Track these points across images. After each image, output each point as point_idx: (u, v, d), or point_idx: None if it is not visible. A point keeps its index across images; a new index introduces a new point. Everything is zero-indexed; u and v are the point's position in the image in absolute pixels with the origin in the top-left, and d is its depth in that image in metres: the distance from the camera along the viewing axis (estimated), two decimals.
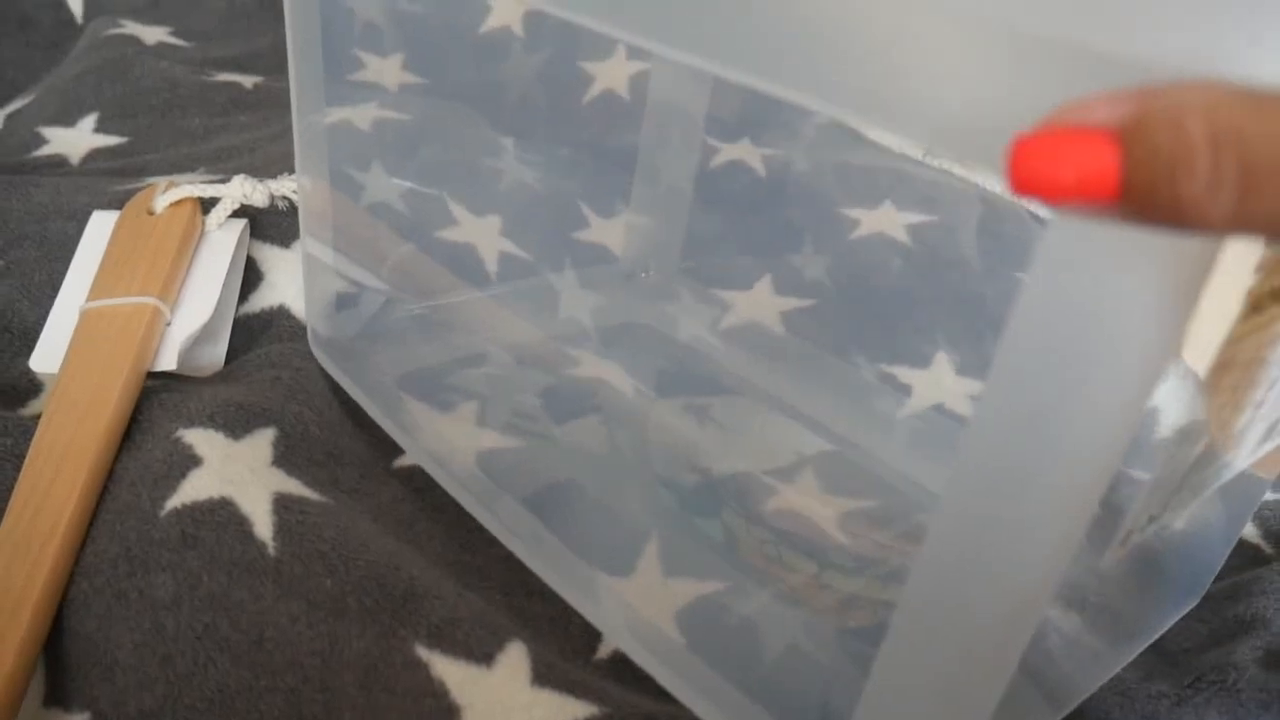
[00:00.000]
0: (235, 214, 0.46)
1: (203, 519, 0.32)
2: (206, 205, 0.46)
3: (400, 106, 0.54)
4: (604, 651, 0.34)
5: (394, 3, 0.55)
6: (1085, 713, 0.32)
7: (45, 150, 0.57)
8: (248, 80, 0.67)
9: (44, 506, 0.32)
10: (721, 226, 0.58)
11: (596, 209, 0.56)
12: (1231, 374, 0.21)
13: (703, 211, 0.56)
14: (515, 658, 0.31)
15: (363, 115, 0.52)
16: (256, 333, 0.44)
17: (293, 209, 0.47)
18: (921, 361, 0.49)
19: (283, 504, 0.33)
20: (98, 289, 0.41)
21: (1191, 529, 0.33)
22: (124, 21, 0.71)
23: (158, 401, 0.37)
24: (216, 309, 0.42)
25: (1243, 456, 0.26)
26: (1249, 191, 0.13)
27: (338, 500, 0.35)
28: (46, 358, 0.39)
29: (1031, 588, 0.18)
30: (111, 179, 0.52)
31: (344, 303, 0.44)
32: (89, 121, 0.60)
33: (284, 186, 0.47)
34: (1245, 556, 0.40)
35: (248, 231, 0.46)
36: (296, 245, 0.47)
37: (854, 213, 0.57)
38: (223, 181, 0.46)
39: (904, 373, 0.48)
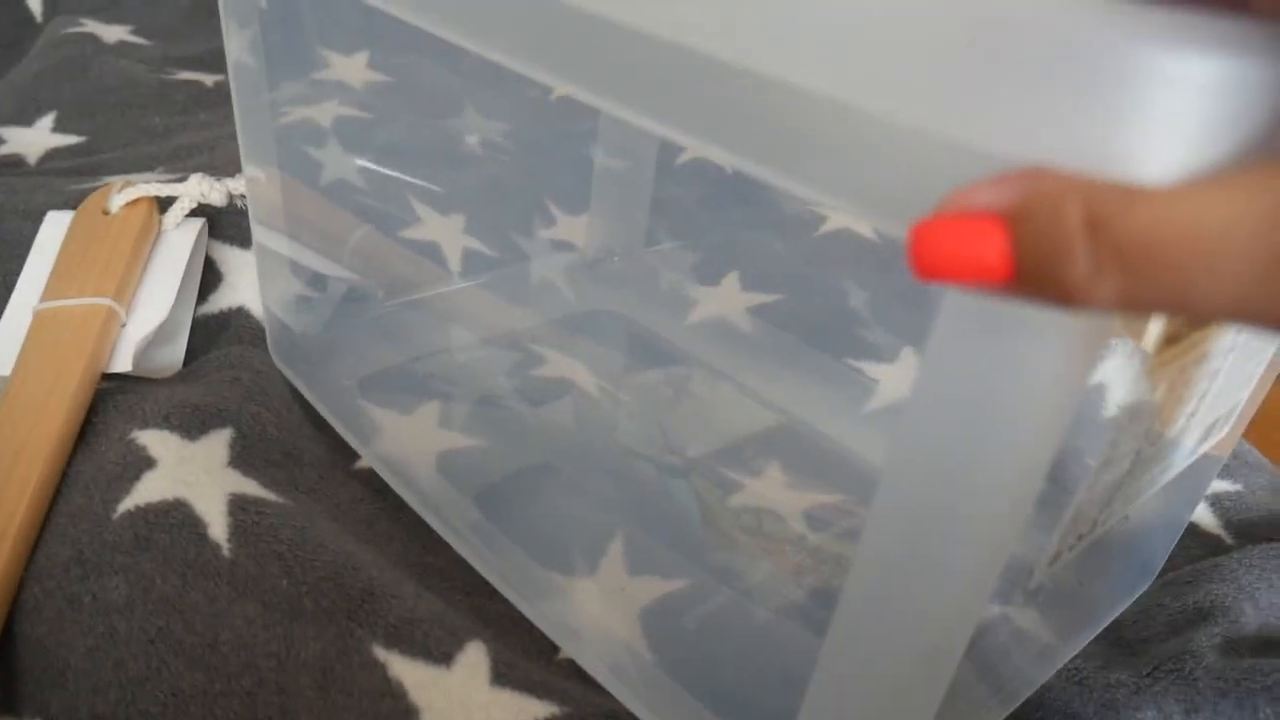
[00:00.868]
0: (193, 213, 0.45)
1: (156, 521, 0.32)
2: (164, 204, 0.45)
3: (363, 104, 0.53)
4: (565, 651, 0.34)
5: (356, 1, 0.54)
6: (1045, 703, 0.32)
7: (2, 150, 0.56)
8: (209, 78, 0.66)
9: None
10: (686, 223, 0.58)
11: (563, 206, 0.56)
12: (1155, 395, 0.21)
13: (668, 207, 0.56)
14: (474, 658, 0.31)
15: (325, 113, 0.52)
16: (215, 333, 0.43)
17: None
18: (888, 356, 0.49)
19: (238, 505, 0.33)
20: (51, 290, 0.40)
21: (1140, 512, 0.34)
22: (83, 20, 0.70)
23: (112, 403, 0.36)
24: (173, 310, 0.41)
25: (1181, 459, 0.26)
26: (1129, 277, 0.13)
27: (296, 501, 0.35)
28: None
29: (973, 579, 0.18)
30: (69, 178, 0.51)
31: (302, 302, 0.44)
32: (47, 121, 0.59)
33: (242, 185, 0.46)
34: (1206, 546, 0.40)
35: (206, 231, 0.45)
36: None
37: (821, 209, 0.57)
38: (179, 180, 0.46)
39: (870, 367, 0.49)
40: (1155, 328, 0.20)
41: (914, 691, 0.20)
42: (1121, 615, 0.36)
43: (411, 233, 0.50)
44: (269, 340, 0.42)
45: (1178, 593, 0.36)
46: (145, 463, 0.33)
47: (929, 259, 0.15)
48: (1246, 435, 0.46)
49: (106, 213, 0.43)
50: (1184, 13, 0.15)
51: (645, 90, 0.20)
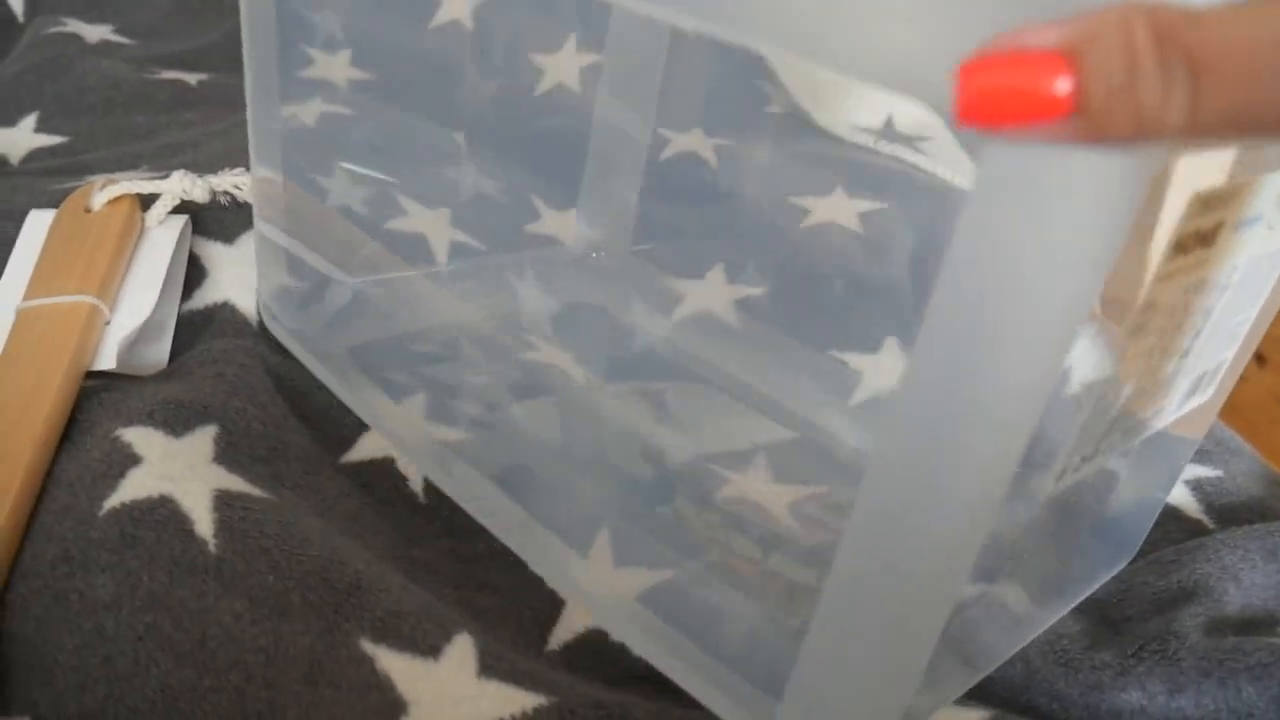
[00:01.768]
0: (176, 210, 0.45)
1: (142, 518, 0.32)
2: (147, 202, 0.45)
3: (348, 102, 0.53)
4: (555, 642, 0.34)
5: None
6: (1031, 685, 0.33)
7: None
8: (192, 77, 0.66)
9: None
10: (673, 216, 0.58)
11: (549, 201, 0.56)
12: (1157, 317, 0.22)
13: (655, 201, 0.56)
14: (462, 650, 0.31)
15: (310, 111, 0.52)
16: (200, 329, 0.43)
17: (236, 204, 0.47)
18: (872, 346, 0.49)
19: (224, 501, 0.33)
20: (34, 288, 0.40)
21: (1116, 485, 0.34)
22: (66, 20, 0.70)
23: (97, 400, 0.36)
24: (157, 307, 0.41)
25: (1172, 405, 0.26)
26: (1201, 92, 0.14)
27: (281, 496, 0.35)
28: None
29: (958, 545, 0.18)
30: (51, 178, 0.51)
31: (298, 292, 0.44)
32: (29, 121, 0.59)
33: (225, 181, 0.46)
34: (1187, 531, 0.41)
35: (189, 228, 0.45)
36: (240, 241, 0.46)
37: (805, 201, 0.58)
38: (162, 177, 0.45)
39: (855, 358, 0.49)
40: (1166, 229, 0.20)
41: (903, 655, 0.21)
42: (1106, 593, 0.36)
43: (397, 224, 0.50)
44: (264, 315, 0.42)
45: (1162, 571, 0.36)
46: (130, 460, 0.33)
47: (981, 99, 0.14)
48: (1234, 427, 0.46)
49: (89, 210, 0.43)
50: None
51: None
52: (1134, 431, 0.25)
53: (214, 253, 0.46)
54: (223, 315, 0.43)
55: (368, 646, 0.30)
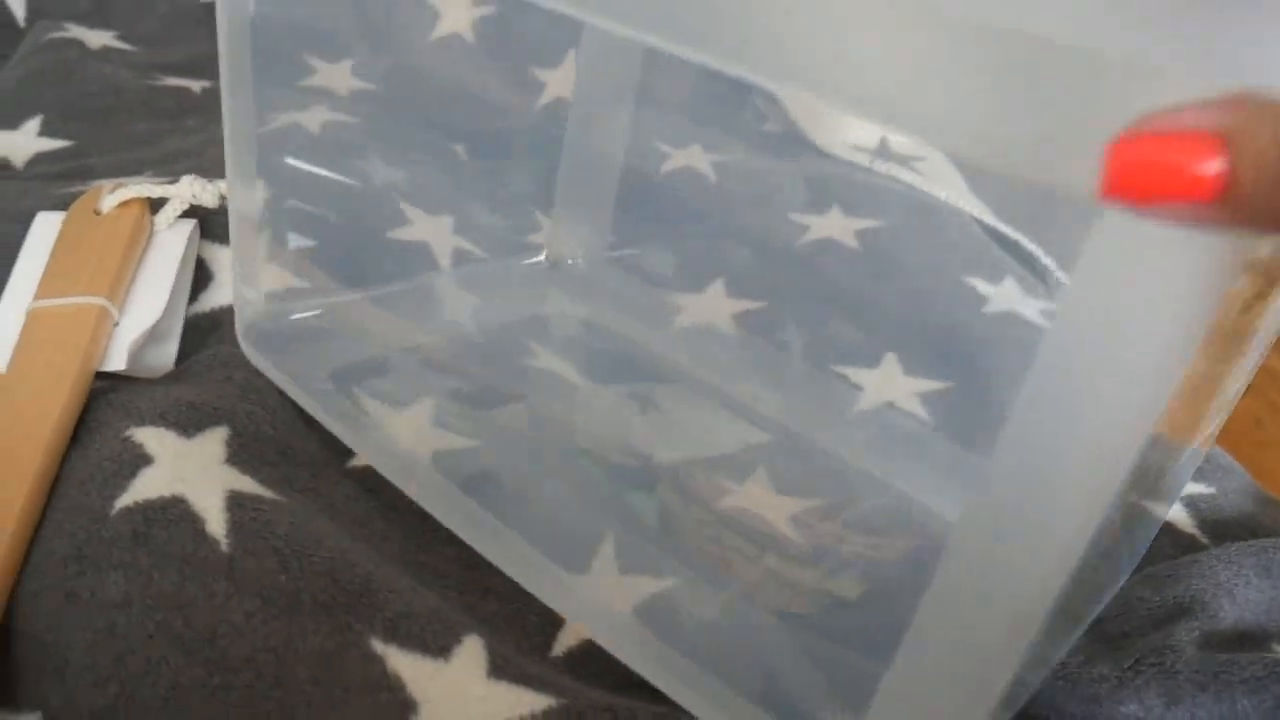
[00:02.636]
0: (185, 214, 0.45)
1: (154, 517, 0.32)
2: (155, 206, 0.45)
3: (350, 111, 0.54)
4: (560, 647, 0.34)
5: (344, 9, 0.55)
6: (1032, 699, 0.33)
7: None
8: (196, 85, 0.66)
9: None
10: (671, 231, 0.58)
11: (542, 207, 0.57)
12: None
13: (651, 215, 0.57)
14: (471, 651, 0.31)
15: (312, 119, 0.52)
16: (207, 332, 0.43)
17: None
18: (871, 362, 0.50)
19: (236, 501, 0.33)
20: (44, 289, 0.40)
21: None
22: (68, 25, 0.70)
23: (107, 401, 0.37)
24: (166, 309, 0.41)
25: (1212, 427, 0.26)
26: None
27: (291, 498, 0.35)
28: None
29: (1049, 577, 0.19)
30: (57, 182, 0.51)
31: (277, 308, 0.43)
32: (33, 125, 0.59)
33: None
34: (1182, 546, 0.41)
35: (198, 232, 0.46)
36: None
37: (803, 218, 0.58)
38: (171, 182, 0.46)
39: (854, 373, 0.49)
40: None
41: (985, 683, 0.21)
42: (1103, 609, 0.37)
43: (396, 233, 0.51)
44: (241, 335, 0.42)
45: (1158, 586, 0.37)
46: (142, 459, 0.34)
47: (1129, 176, 0.14)
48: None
49: (98, 213, 0.43)
50: None
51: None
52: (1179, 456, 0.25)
53: (221, 257, 0.46)
54: (230, 319, 0.44)
55: (378, 646, 0.30)
